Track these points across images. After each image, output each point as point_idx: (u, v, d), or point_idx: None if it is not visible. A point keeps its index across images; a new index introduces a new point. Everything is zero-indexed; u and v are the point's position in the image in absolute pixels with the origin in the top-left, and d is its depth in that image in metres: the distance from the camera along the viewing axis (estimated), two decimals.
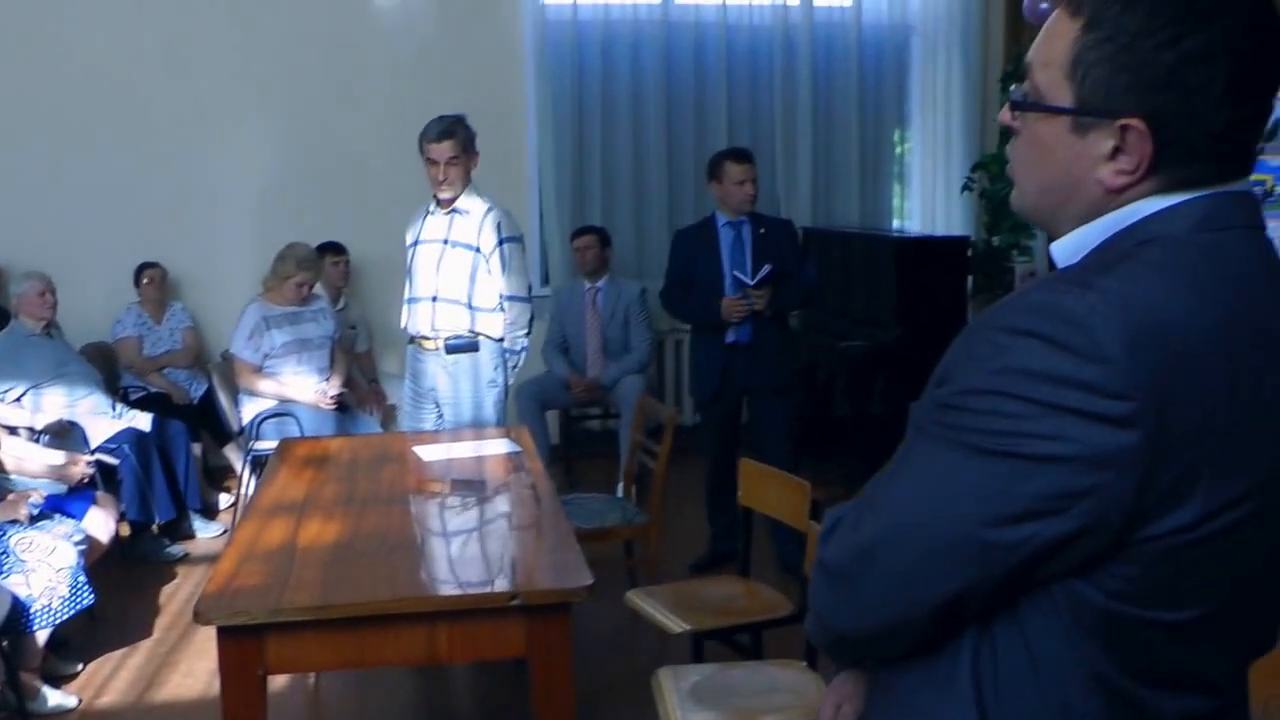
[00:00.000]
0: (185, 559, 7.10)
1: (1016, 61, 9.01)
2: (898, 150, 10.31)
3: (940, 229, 10.03)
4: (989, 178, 9.08)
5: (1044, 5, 8.21)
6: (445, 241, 6.16)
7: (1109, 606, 1.46)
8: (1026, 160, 1.63)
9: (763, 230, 6.70)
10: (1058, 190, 1.59)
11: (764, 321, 6.61)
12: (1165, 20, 1.45)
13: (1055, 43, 1.55)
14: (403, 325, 6.39)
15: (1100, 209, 1.56)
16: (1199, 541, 1.42)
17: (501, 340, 6.21)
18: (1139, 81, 1.47)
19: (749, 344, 6.65)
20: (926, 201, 10.23)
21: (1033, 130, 1.60)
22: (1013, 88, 1.64)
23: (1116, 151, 1.51)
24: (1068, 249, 1.60)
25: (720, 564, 6.60)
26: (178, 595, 6.53)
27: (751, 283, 6.50)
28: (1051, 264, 1.64)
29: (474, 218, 6.13)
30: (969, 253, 8.74)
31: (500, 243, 6.11)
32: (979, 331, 1.48)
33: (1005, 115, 1.65)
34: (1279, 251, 1.57)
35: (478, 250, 6.10)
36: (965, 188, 9.57)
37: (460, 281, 6.11)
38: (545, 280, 9.49)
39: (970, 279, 8.73)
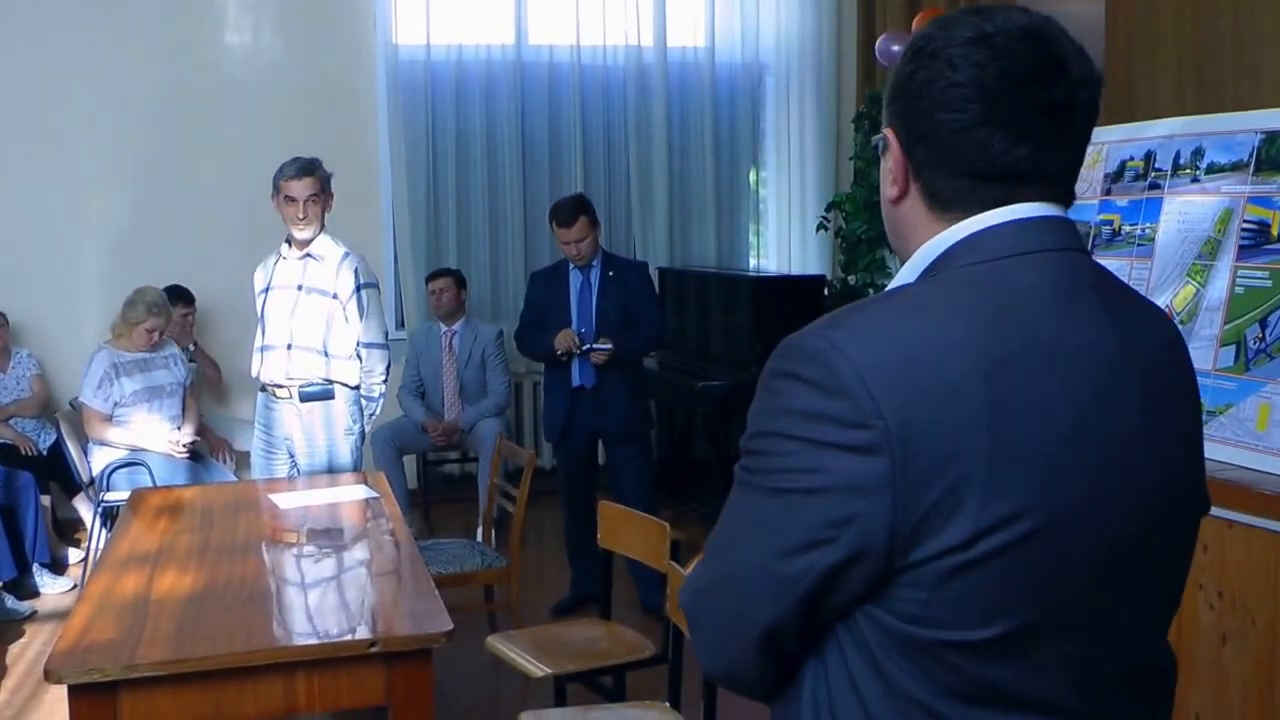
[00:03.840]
0: (33, 616, 6.89)
1: (869, 101, 9.15)
2: (753, 190, 10.40)
3: (796, 268, 10.16)
4: (843, 216, 9.18)
5: (895, 47, 8.34)
6: (300, 287, 6.06)
7: (905, 630, 1.50)
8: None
9: (612, 273, 6.72)
10: (886, 220, 1.73)
11: (609, 366, 6.63)
12: (912, 48, 1.62)
13: None
14: (254, 373, 6.27)
15: (918, 237, 1.66)
16: (978, 560, 1.45)
17: (357, 388, 6.15)
18: (890, 95, 1.65)
19: (594, 388, 6.67)
20: (782, 241, 10.34)
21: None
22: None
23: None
24: (897, 282, 1.68)
25: (581, 606, 6.58)
26: (25, 655, 6.34)
27: (604, 347, 6.56)
28: None
29: (329, 263, 6.05)
30: (825, 291, 8.83)
31: (358, 289, 6.04)
32: (762, 377, 1.58)
33: None
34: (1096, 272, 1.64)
35: (334, 296, 6.01)
36: (820, 227, 9.67)
37: (315, 328, 6.02)
38: (400, 323, 9.44)
39: None
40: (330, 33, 9.25)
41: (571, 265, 6.72)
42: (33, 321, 8.73)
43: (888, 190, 1.67)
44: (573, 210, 6.60)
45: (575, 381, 6.69)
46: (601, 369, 6.62)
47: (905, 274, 1.65)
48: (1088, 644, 1.58)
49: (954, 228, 1.60)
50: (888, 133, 1.64)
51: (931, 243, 1.62)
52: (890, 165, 1.65)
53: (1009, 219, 1.59)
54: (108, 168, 8.93)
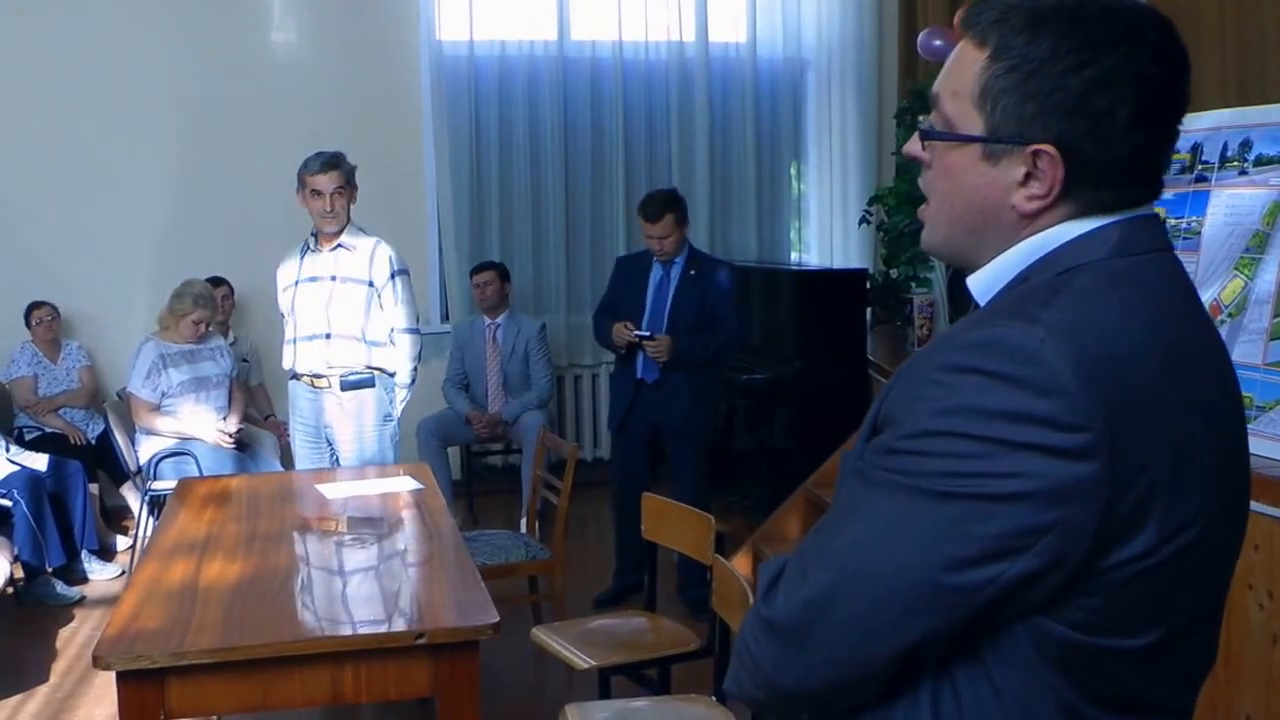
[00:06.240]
0: (82, 602, 6.97)
1: (911, 96, 9.10)
2: (794, 184, 10.39)
3: (838, 262, 10.14)
4: (886, 210, 9.15)
5: (937, 42, 8.31)
6: (334, 278, 6.14)
7: (1072, 639, 1.44)
8: (938, 191, 1.62)
9: (694, 272, 6.66)
10: (970, 220, 1.59)
11: (674, 364, 6.59)
12: (1070, 48, 1.47)
13: (962, 73, 1.56)
14: (287, 365, 6.34)
15: (1013, 237, 1.57)
16: (1156, 567, 1.42)
17: (394, 374, 6.22)
18: (1047, 108, 1.49)
19: (655, 383, 6.65)
20: (824, 235, 10.32)
21: (944, 160, 1.60)
22: (921, 119, 1.63)
23: (1028, 178, 1.52)
24: (985, 281, 1.61)
25: (624, 598, 6.59)
26: (75, 639, 6.40)
27: (645, 334, 6.53)
28: (953, 297, 1.65)
29: (362, 253, 6.13)
30: (868, 285, 8.80)
31: (393, 275, 6.15)
32: (919, 373, 1.47)
33: (913, 147, 1.64)
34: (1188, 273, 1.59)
35: (370, 284, 6.10)
36: (863, 221, 9.64)
37: (354, 317, 6.10)
38: (444, 316, 9.46)
39: (869, 311, 8.79)
40: (374, 29, 9.28)
41: (654, 258, 6.72)
42: (82, 314, 8.81)
43: (1018, 203, 1.54)
44: (661, 207, 6.54)
45: (638, 374, 6.69)
46: (666, 366, 6.58)
47: (1003, 268, 1.58)
48: (1201, 644, 1.59)
49: (1067, 225, 1.54)
50: (1045, 149, 1.49)
51: (1042, 237, 1.55)
52: (1013, 177, 1.53)
53: (1127, 216, 1.55)
54: (155, 163, 8.99)
